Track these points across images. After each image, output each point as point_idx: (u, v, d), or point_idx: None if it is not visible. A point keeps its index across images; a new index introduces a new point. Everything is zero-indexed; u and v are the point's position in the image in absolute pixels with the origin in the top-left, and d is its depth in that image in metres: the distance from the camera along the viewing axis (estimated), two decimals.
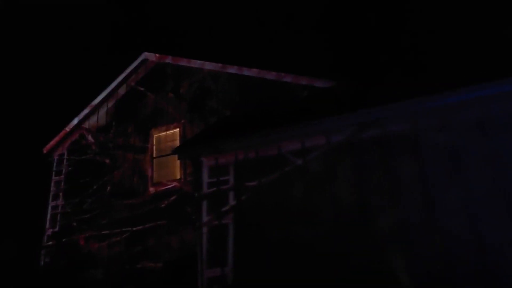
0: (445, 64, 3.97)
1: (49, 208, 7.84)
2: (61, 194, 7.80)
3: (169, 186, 6.37)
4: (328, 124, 3.81)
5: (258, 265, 3.86)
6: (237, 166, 4.33)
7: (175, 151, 4.56)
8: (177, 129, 6.68)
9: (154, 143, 6.93)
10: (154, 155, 6.83)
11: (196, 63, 6.72)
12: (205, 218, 4.35)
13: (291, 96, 5.51)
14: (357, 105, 3.85)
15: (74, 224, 7.32)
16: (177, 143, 6.57)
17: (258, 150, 4.22)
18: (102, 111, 7.89)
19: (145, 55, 7.48)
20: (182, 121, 6.64)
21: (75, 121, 8.08)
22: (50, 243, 7.51)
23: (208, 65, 6.57)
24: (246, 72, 6.07)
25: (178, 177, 6.32)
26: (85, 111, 7.99)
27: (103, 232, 6.86)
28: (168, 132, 6.82)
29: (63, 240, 7.35)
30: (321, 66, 5.67)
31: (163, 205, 6.31)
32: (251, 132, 4.24)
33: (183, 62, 6.93)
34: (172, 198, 6.25)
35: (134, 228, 6.50)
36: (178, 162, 6.43)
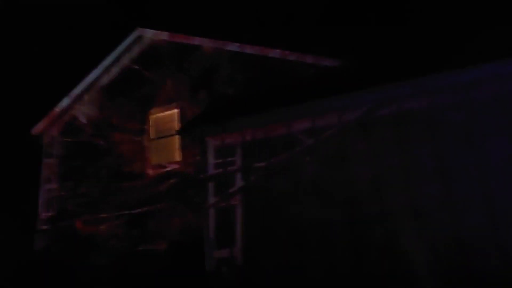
0: (459, 40, 3.86)
1: (41, 191, 7.58)
2: (53, 177, 7.52)
3: (168, 169, 6.20)
4: (341, 101, 3.68)
5: (268, 246, 3.82)
6: (245, 146, 4.20)
7: (180, 131, 4.38)
8: (176, 110, 6.43)
9: (151, 124, 6.67)
10: (152, 137, 6.59)
11: (195, 40, 6.38)
12: (211, 200, 4.25)
13: (296, 75, 5.33)
14: (370, 82, 3.73)
15: (70, 208, 7.11)
16: (176, 124, 6.34)
17: (267, 130, 4.08)
18: (95, 90, 7.50)
19: (140, 31, 7.05)
20: (181, 101, 6.38)
21: (66, 101, 7.67)
22: (45, 227, 7.30)
23: (208, 43, 6.25)
24: (249, 50, 5.81)
25: (178, 159, 6.14)
26: (76, 91, 7.57)
27: (101, 216, 6.69)
28: (167, 113, 6.56)
29: (59, 224, 7.16)
30: (326, 45, 5.46)
31: (163, 188, 6.16)
32: (259, 110, 4.08)
33: (181, 39, 6.57)
34: (172, 180, 6.10)
35: (133, 211, 6.36)
36: (177, 143, 6.23)
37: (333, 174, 3.64)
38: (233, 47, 5.93)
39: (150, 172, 6.37)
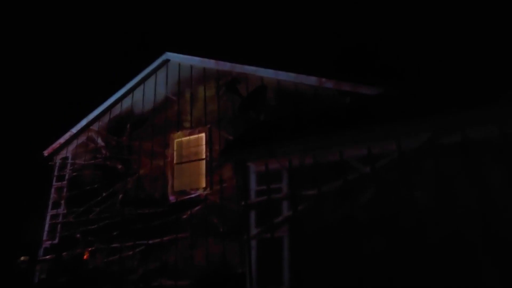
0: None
1: (48, 217, 7.06)
2: (63, 202, 7.05)
3: (192, 195, 5.83)
4: (399, 128, 3.51)
5: (321, 284, 3.40)
6: (292, 172, 3.93)
7: (221, 154, 4.11)
8: (202, 134, 6.22)
9: (175, 148, 6.41)
10: (175, 161, 6.30)
11: (225, 65, 6.37)
12: (253, 231, 3.88)
13: (333, 103, 5.24)
14: (431, 109, 3.60)
15: (78, 235, 6.57)
16: (203, 148, 6.10)
17: (317, 155, 3.86)
18: (115, 112, 7.33)
19: (167, 55, 7.08)
20: (208, 125, 6.20)
21: (83, 122, 7.47)
22: (47, 257, 6.68)
23: (239, 68, 6.24)
24: (282, 76, 5.78)
25: (204, 185, 5.80)
26: (96, 112, 7.40)
27: (112, 245, 6.15)
28: (192, 137, 6.34)
29: (64, 253, 6.56)
30: (362, 74, 5.46)
31: (185, 216, 5.75)
32: (308, 135, 3.88)
33: (211, 64, 6.57)
34: (197, 208, 5.70)
35: (150, 241, 5.86)
36: (203, 169, 5.94)
37: (392, 204, 3.36)
38: (267, 72, 5.90)
39: (172, 198, 5.99)
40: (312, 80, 5.49)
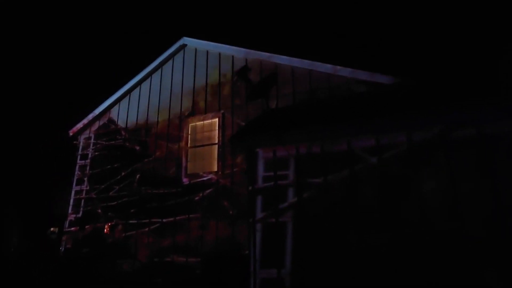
0: None
1: (72, 192, 7.58)
2: (86, 179, 7.53)
3: (204, 178, 6.04)
4: (411, 120, 3.44)
5: (321, 270, 3.50)
6: (299, 160, 3.98)
7: (231, 139, 4.22)
8: (216, 119, 6.35)
9: (189, 132, 6.61)
10: (189, 145, 6.51)
11: (240, 51, 6.38)
12: (259, 215, 4.01)
13: (348, 91, 5.16)
14: (444, 101, 3.49)
15: (99, 211, 7.04)
16: (216, 133, 6.25)
17: (324, 144, 3.87)
18: (135, 95, 7.60)
19: (184, 40, 7.18)
20: (222, 111, 6.31)
21: (105, 104, 7.81)
22: (72, 229, 7.23)
23: (253, 54, 6.23)
24: (297, 62, 5.73)
25: (216, 169, 5.99)
26: (116, 95, 7.71)
27: (130, 222, 6.56)
28: (206, 121, 6.49)
29: (86, 227, 7.07)
30: (379, 62, 5.29)
31: (197, 198, 5.99)
32: (318, 123, 3.89)
33: (226, 50, 6.60)
34: (208, 190, 5.92)
35: (164, 220, 6.19)
36: (216, 154, 6.11)
37: (399, 197, 3.35)
38: (281, 59, 5.87)
39: (185, 180, 6.24)
40: (326, 67, 5.41)
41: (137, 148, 7.08)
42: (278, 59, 5.93)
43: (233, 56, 6.53)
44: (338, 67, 5.29)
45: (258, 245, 3.90)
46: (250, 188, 4.17)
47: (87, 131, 8.00)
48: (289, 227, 3.82)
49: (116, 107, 7.79)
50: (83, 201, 7.39)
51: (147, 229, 6.32)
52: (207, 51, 6.90)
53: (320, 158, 3.86)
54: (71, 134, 8.04)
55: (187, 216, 5.97)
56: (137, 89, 7.60)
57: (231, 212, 5.55)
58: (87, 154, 7.75)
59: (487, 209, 3.02)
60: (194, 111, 6.67)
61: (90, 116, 7.92)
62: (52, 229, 9.73)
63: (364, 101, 4.28)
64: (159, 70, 7.45)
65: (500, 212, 2.98)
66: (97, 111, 7.86)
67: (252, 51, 6.25)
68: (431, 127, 3.39)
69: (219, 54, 6.72)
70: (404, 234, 3.26)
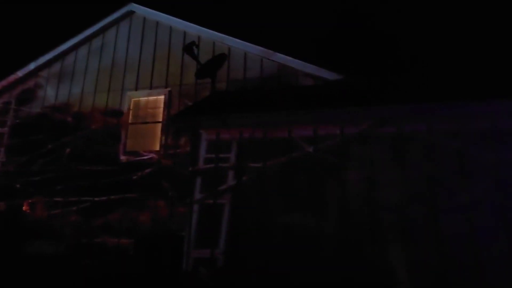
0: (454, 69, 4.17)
1: None
2: (2, 149, 6.58)
3: (144, 157, 5.76)
4: (345, 114, 3.73)
5: (254, 251, 3.67)
6: (241, 144, 4.03)
7: (174, 118, 4.07)
8: (162, 96, 6.04)
9: (131, 108, 6.18)
10: (130, 121, 6.10)
11: (193, 28, 6.10)
12: (198, 196, 3.99)
13: (295, 83, 5.35)
14: (374, 99, 3.84)
15: (18, 186, 6.24)
16: (161, 111, 5.96)
17: (267, 130, 3.98)
18: (69, 60, 6.78)
19: (132, 6, 6.58)
20: (169, 88, 6.02)
21: (31, 66, 6.84)
22: None
23: (206, 33, 6.02)
24: (250, 48, 5.70)
25: (157, 148, 5.74)
26: (47, 56, 6.79)
27: (56, 199, 5.96)
28: (151, 98, 6.13)
29: (0, 203, 6.23)
30: (327, 59, 5.58)
31: (135, 177, 5.69)
32: (261, 109, 3.97)
33: (178, 24, 6.25)
34: (148, 170, 5.66)
35: (96, 198, 5.77)
36: (159, 132, 5.84)
37: (329, 184, 3.65)
38: (233, 42, 5.78)
39: (123, 158, 5.86)
40: (278, 57, 5.50)
41: (69, 119, 6.39)
42: (232, 42, 5.83)
43: (185, 32, 6.21)
44: (289, 58, 5.43)
45: (194, 226, 3.90)
46: (190, 168, 4.12)
47: (7, 95, 6.94)
48: (226, 209, 3.89)
49: (45, 71, 6.87)
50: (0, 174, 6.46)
51: (75, 208, 5.83)
52: (157, 22, 6.44)
53: (262, 144, 3.97)
54: None
55: (122, 196, 5.65)
56: (73, 53, 6.79)
57: (170, 193, 5.42)
58: (5, 121, 6.75)
59: (398, 196, 3.47)
60: (138, 85, 6.23)
61: (12, 78, 6.86)
62: None
63: (309, 93, 4.49)
64: (101, 35, 6.74)
65: (408, 199, 3.45)
66: (21, 73, 6.85)
67: (205, 29, 6.03)
68: (361, 122, 3.72)
69: (170, 27, 6.33)
70: (329, 217, 3.58)
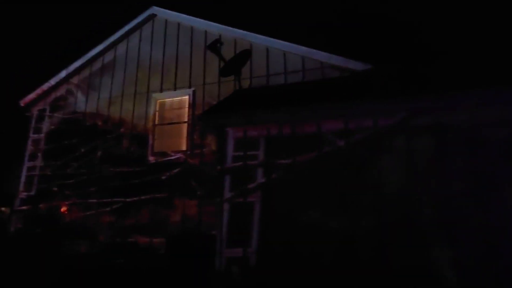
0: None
1: (24, 169, 6.96)
2: (40, 154, 6.93)
3: (172, 157, 5.83)
4: (377, 106, 3.53)
5: (285, 249, 3.58)
6: (269, 141, 3.95)
7: (200, 117, 4.06)
8: (186, 97, 6.09)
9: (157, 109, 6.28)
10: (156, 122, 6.20)
11: (214, 27, 6.09)
12: (227, 194, 3.96)
13: (321, 76, 5.17)
14: (409, 89, 3.61)
15: (55, 189, 6.56)
16: (186, 111, 6.01)
17: (295, 126, 3.87)
18: (97, 65, 7.01)
19: (154, 9, 6.68)
20: (192, 88, 6.05)
21: (63, 74, 7.14)
22: (24, 207, 6.69)
23: (228, 31, 5.98)
24: (272, 43, 5.59)
25: (184, 148, 5.79)
26: (76, 64, 7.06)
27: (90, 201, 6.20)
28: (175, 98, 6.20)
29: (40, 205, 6.58)
30: (353, 49, 5.34)
31: (164, 177, 5.78)
32: (289, 105, 3.86)
33: (199, 24, 6.26)
34: (176, 170, 5.73)
35: (127, 199, 5.92)
36: (185, 132, 5.89)
37: (364, 179, 3.47)
38: (257, 38, 5.69)
39: (152, 159, 5.97)
40: (301, 50, 5.35)
41: (99, 123, 6.62)
42: (254, 38, 5.75)
43: (206, 31, 6.22)
44: (314, 50, 5.26)
45: (225, 225, 3.87)
46: (219, 167, 4.09)
47: (42, 103, 7.30)
48: (257, 207, 3.83)
49: (75, 78, 7.15)
50: (36, 178, 6.82)
51: (108, 208, 6.02)
52: (179, 24, 6.50)
53: (290, 140, 3.86)
54: (22, 105, 7.29)
55: (152, 195, 5.76)
56: (100, 59, 7.01)
57: (199, 193, 5.44)
58: (42, 128, 7.10)
59: (440, 192, 3.23)
60: (163, 87, 6.32)
61: (45, 86, 7.21)
62: (3, 209, 8.94)
63: (336, 86, 4.32)
64: (125, 40, 6.91)
65: (451, 193, 3.21)
66: (53, 81, 7.17)
67: (227, 27, 5.99)
68: (395, 114, 3.51)
69: (191, 28, 6.36)
70: (366, 214, 3.41)
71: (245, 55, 3.99)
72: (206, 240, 4.05)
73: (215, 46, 4.27)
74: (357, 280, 3.19)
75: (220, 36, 6.04)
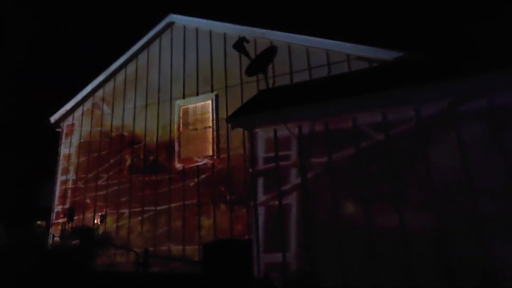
0: None
1: (58, 183, 7.17)
2: (71, 168, 7.12)
3: (199, 163, 5.78)
4: (419, 93, 3.26)
5: (329, 252, 3.37)
6: (301, 139, 3.77)
7: (228, 120, 3.95)
8: (208, 101, 6.03)
9: (181, 115, 6.27)
10: (181, 129, 6.19)
11: (233, 28, 6.01)
12: (261, 198, 3.81)
13: (348, 69, 4.93)
14: (452, 73, 3.31)
15: (88, 201, 6.70)
16: (209, 116, 5.95)
17: (328, 122, 3.66)
18: (120, 78, 7.13)
19: (172, 17, 6.71)
20: (215, 92, 5.98)
21: (88, 88, 7.32)
22: (59, 220, 6.88)
23: (247, 31, 5.87)
24: (293, 39, 5.42)
25: (211, 153, 5.72)
26: (100, 78, 7.22)
27: (121, 211, 6.27)
28: (198, 104, 6.16)
29: (75, 218, 6.74)
30: (380, 38, 5.06)
31: (192, 183, 5.74)
32: (319, 100, 3.67)
33: (217, 27, 6.21)
34: (204, 175, 5.67)
35: (158, 207, 5.93)
36: (210, 137, 5.82)
37: (410, 174, 3.21)
38: (277, 36, 5.55)
39: (179, 166, 5.95)
40: (324, 43, 5.13)
41: (126, 134, 6.70)
42: (274, 36, 5.61)
43: (225, 34, 6.15)
44: (338, 43, 5.03)
45: (261, 229, 3.72)
46: (250, 170, 3.96)
47: (70, 117, 7.52)
48: (293, 209, 3.65)
49: (100, 91, 7.32)
50: (69, 191, 7.01)
51: (140, 217, 6.06)
52: (197, 29, 6.48)
53: (324, 137, 3.66)
54: (52, 121, 7.55)
55: (182, 202, 5.73)
56: (123, 71, 7.13)
57: (228, 197, 5.34)
58: (71, 142, 7.31)
59: (498, 182, 2.91)
60: (185, 94, 6.31)
61: (73, 102, 7.43)
62: (39, 222, 9.30)
63: (368, 76, 4.07)
64: (146, 50, 6.98)
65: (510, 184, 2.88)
66: (80, 96, 7.37)
67: (246, 27, 5.89)
68: (440, 100, 3.22)
69: (210, 31, 6.32)
70: (414, 214, 3.14)
71: (270, 52, 3.85)
72: (242, 246, 3.91)
73: (241, 44, 4.17)
74: (415, 281, 2.92)
75: (239, 37, 5.95)
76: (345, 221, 3.34)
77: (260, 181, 3.87)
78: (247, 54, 4.14)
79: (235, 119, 3.95)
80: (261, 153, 3.94)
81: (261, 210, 3.80)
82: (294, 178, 3.72)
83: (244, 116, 3.89)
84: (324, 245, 3.39)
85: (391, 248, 3.09)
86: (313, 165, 3.64)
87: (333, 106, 3.56)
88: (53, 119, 7.52)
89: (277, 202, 3.72)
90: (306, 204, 3.58)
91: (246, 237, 4.89)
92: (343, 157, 3.51)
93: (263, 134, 3.96)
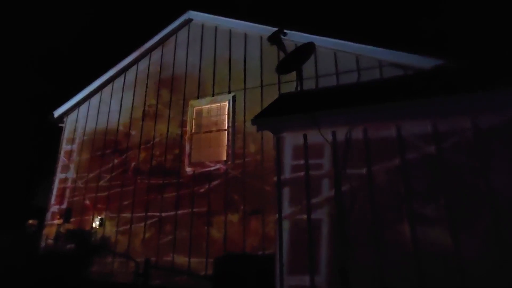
0: None
1: (56, 181, 6.72)
2: (72, 166, 6.69)
3: (211, 168, 5.36)
4: (479, 100, 2.90)
5: (365, 279, 2.93)
6: (336, 147, 3.38)
7: (253, 121, 3.56)
8: (225, 103, 5.66)
9: (194, 117, 5.89)
10: (193, 131, 5.79)
11: (254, 28, 5.70)
12: (286, 210, 3.39)
13: (380, 76, 4.59)
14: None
15: (87, 202, 6.23)
16: (225, 118, 5.57)
17: (367, 129, 3.28)
18: (131, 74, 6.78)
19: (190, 14, 6.42)
20: (232, 94, 5.63)
21: (96, 83, 6.96)
22: (55, 221, 6.39)
23: (269, 32, 5.54)
24: (320, 42, 5.10)
25: (224, 158, 5.31)
26: (110, 73, 6.87)
27: (123, 215, 5.80)
28: (213, 105, 5.79)
29: (72, 220, 6.26)
30: (416, 43, 4.74)
31: (202, 190, 5.31)
32: (359, 103, 3.30)
33: (238, 26, 5.90)
34: (215, 182, 5.25)
35: (163, 214, 5.47)
36: (225, 141, 5.43)
37: (463, 191, 2.81)
38: (302, 37, 5.23)
39: (189, 170, 5.53)
40: (354, 47, 4.81)
41: (133, 133, 6.30)
42: (298, 37, 5.29)
43: (245, 34, 5.84)
44: (369, 47, 4.71)
45: (286, 246, 3.29)
46: (275, 178, 3.55)
47: (75, 113, 7.13)
48: (324, 225, 3.22)
49: (109, 87, 6.96)
50: (68, 190, 6.55)
51: (142, 223, 5.59)
52: (216, 27, 6.17)
53: (363, 146, 3.28)
54: (55, 115, 7.15)
55: (190, 210, 5.29)
56: (134, 67, 6.79)
57: (242, 207, 4.91)
58: (74, 138, 6.90)
59: None
60: (200, 93, 5.95)
61: (79, 96, 7.05)
62: (30, 221, 8.76)
63: (410, 82, 3.72)
64: (160, 47, 6.66)
65: None
66: (87, 90, 7.01)
67: (267, 27, 5.57)
68: (501, 109, 2.86)
69: (230, 30, 6.01)
70: (472, 238, 2.72)
71: (308, 49, 3.50)
72: (262, 263, 3.46)
73: (277, 36, 3.81)
74: None
75: (260, 37, 5.65)
76: (388, 243, 2.92)
77: (286, 192, 3.46)
78: (282, 49, 3.79)
79: (261, 120, 3.57)
80: (288, 160, 3.54)
81: (285, 224, 3.37)
82: (326, 190, 3.31)
83: (271, 118, 3.51)
84: (361, 269, 2.96)
85: (445, 277, 2.66)
86: (349, 177, 3.24)
87: (373, 113, 3.19)
88: (56, 113, 7.13)
89: (305, 216, 3.30)
90: (340, 220, 3.16)
91: (261, 252, 4.44)
92: (385, 170, 3.12)
93: (291, 139, 3.57)
